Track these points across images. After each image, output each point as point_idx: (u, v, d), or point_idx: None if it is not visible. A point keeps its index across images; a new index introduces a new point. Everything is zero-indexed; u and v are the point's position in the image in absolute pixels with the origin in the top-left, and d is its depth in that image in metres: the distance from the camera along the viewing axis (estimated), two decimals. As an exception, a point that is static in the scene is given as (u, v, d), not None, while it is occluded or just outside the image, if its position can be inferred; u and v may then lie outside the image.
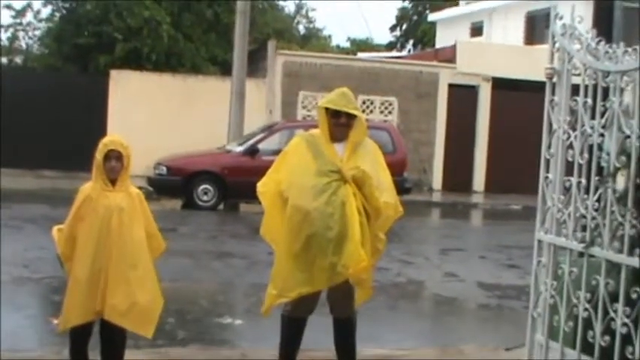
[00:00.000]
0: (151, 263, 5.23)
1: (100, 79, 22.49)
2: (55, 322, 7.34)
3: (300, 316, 5.49)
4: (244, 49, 19.90)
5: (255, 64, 22.59)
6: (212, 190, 16.67)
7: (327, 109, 5.39)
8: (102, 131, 21.59)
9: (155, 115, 21.79)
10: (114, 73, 22.50)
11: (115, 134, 5.32)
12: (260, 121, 20.25)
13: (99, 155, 5.08)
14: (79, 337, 5.23)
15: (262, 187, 5.56)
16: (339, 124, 5.36)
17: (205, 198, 16.65)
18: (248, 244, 12.05)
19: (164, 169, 16.84)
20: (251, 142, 17.13)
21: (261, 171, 5.84)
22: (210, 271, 10.61)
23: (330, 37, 49.29)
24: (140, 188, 5.27)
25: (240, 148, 17.18)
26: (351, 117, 5.37)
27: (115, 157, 5.09)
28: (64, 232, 5.16)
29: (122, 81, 22.28)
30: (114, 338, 5.24)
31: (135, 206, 5.19)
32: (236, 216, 16.86)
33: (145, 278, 5.17)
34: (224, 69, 24.15)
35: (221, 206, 16.95)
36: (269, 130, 17.64)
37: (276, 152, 6.20)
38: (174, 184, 16.67)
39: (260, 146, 16.71)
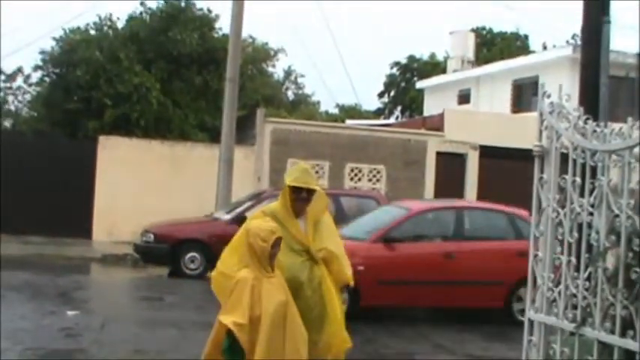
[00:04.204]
0: None
1: (89, 145, 22.45)
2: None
3: None
4: (233, 116, 19.96)
5: (244, 131, 22.66)
6: (199, 259, 16.56)
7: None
8: (89, 197, 21.61)
9: (143, 182, 21.77)
10: (102, 139, 22.51)
11: (268, 218, 5.49)
12: (248, 189, 20.26)
13: (265, 243, 5.16)
14: None
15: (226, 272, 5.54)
16: (300, 198, 5.60)
17: (192, 266, 16.55)
18: (235, 314, 11.85)
19: (151, 236, 16.70)
20: (239, 210, 17.06)
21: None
22: (198, 343, 10.39)
23: (319, 102, 49.60)
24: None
25: (227, 216, 17.09)
26: (311, 192, 5.64)
27: (278, 244, 5.23)
28: (245, 328, 5.06)
29: (110, 146, 22.29)
30: None
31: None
32: (223, 284, 16.65)
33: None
34: (213, 135, 24.21)
35: (208, 275, 16.76)
36: (257, 197, 17.56)
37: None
38: (161, 251, 16.52)
39: (248, 214, 16.62)
